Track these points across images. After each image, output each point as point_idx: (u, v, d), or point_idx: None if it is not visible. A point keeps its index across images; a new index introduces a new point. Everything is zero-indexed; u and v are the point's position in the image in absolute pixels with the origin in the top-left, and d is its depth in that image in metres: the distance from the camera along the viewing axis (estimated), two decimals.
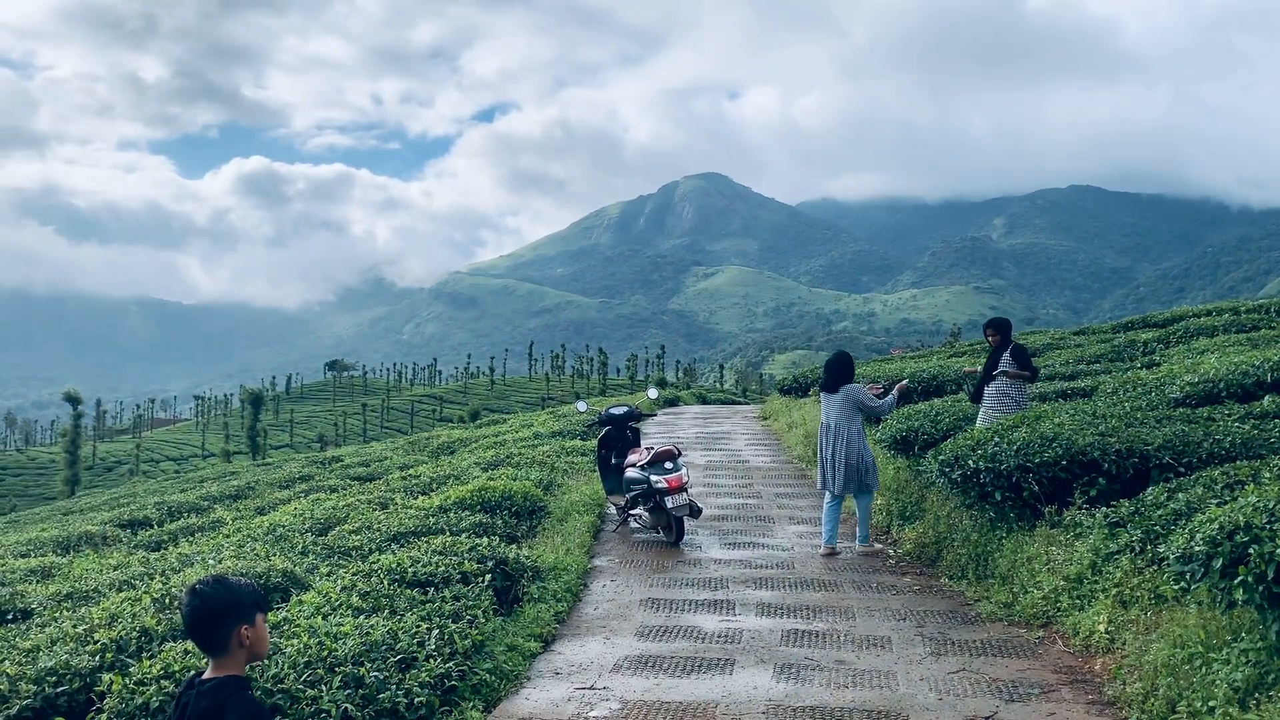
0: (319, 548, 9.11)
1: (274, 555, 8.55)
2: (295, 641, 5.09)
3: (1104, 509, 7.33)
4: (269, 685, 4.59)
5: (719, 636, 6.83)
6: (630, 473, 10.28)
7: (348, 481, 16.55)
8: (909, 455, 11.00)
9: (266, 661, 4.77)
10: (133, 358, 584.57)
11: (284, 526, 11.11)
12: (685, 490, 9.90)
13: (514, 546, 8.29)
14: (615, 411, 11.24)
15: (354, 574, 6.67)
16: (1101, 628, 6.37)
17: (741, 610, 7.56)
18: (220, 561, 7.97)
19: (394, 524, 9.66)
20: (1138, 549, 6.66)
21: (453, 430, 26.99)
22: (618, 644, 6.69)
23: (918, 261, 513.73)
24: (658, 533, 10.26)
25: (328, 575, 7.08)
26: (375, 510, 11.67)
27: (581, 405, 12.33)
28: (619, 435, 11.10)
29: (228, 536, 10.99)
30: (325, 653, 4.98)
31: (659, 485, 9.81)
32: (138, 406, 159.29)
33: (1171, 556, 5.41)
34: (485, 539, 8.07)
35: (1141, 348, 16.46)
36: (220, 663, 2.88)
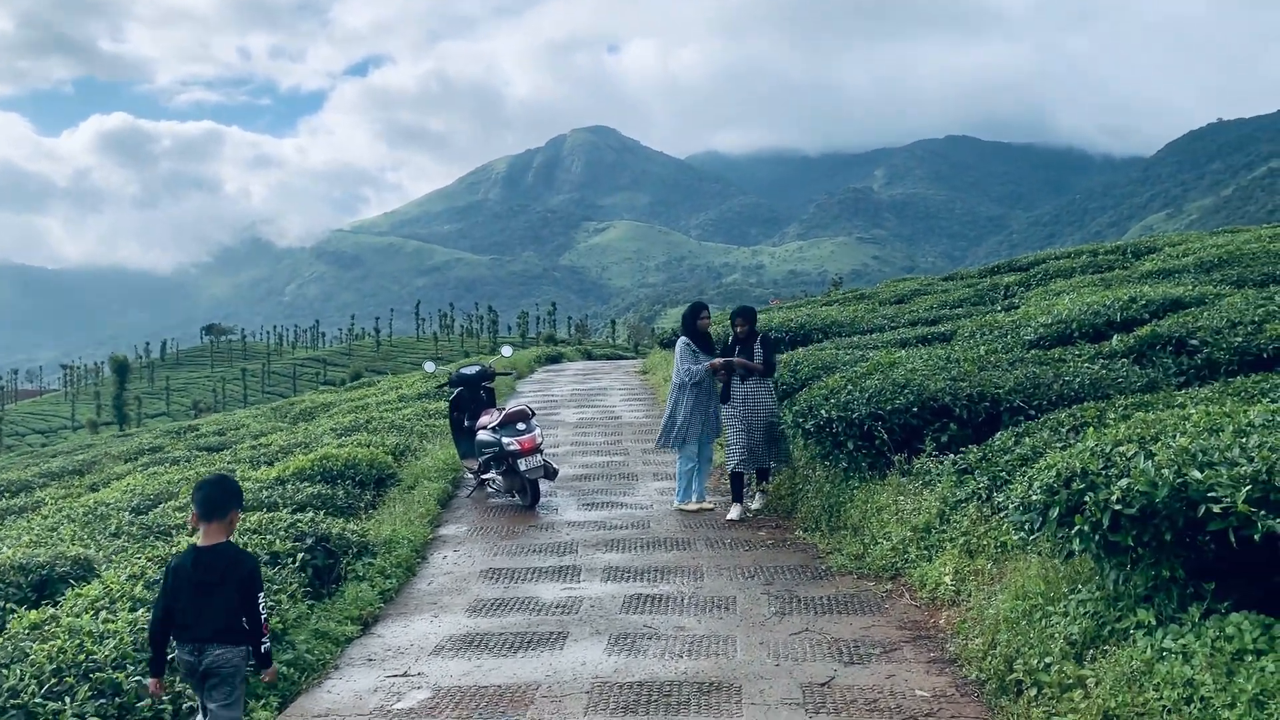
0: (135, 528, 8.38)
1: (78, 540, 7.81)
2: (49, 645, 4.46)
3: (953, 456, 7.17)
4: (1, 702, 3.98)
5: (557, 607, 6.42)
6: (482, 435, 9.77)
7: (195, 453, 15.59)
8: None
9: (4, 671, 4.15)
10: None
11: (108, 505, 10.27)
12: (539, 452, 9.44)
13: (342, 520, 7.75)
14: (467, 372, 10.67)
15: (148, 559, 6.02)
16: (948, 579, 6.18)
17: (587, 576, 7.17)
18: (8, 549, 7.18)
19: None
20: (984, 496, 6.49)
21: (319, 394, 25.98)
22: (445, 622, 6.22)
23: (803, 214, 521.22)
24: (514, 497, 9.80)
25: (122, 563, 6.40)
26: None
27: (429, 366, 11.64)
28: (472, 396, 10.55)
29: (45, 518, 10.08)
30: (82, 656, 4.37)
31: (511, 448, 9.33)
32: (0, 377, 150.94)
33: (1011, 506, 5.20)
34: (309, 513, 7.49)
35: (1004, 291, 16.64)
36: (216, 530, 3.94)
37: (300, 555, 6.26)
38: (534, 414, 9.83)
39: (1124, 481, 4.44)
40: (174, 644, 3.90)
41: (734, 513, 8.73)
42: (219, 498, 3.97)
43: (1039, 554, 5.40)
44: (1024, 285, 16.84)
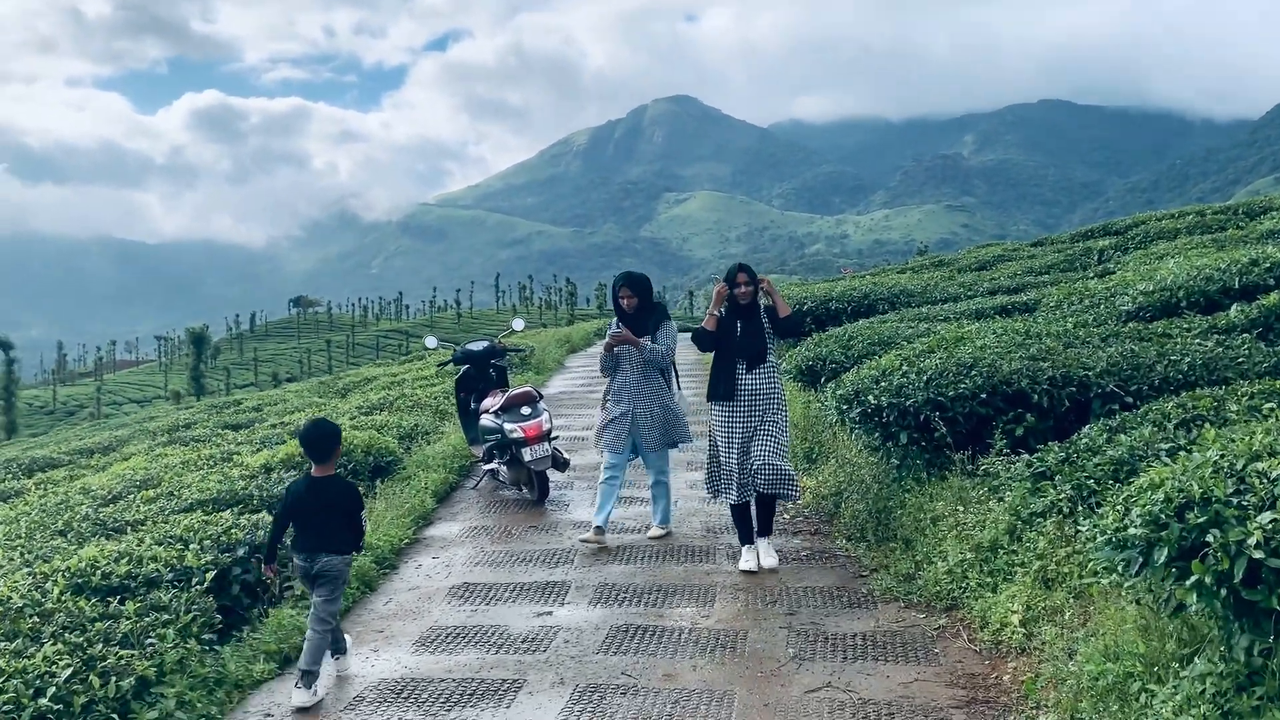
0: (88, 524, 7.43)
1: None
2: None
3: (1028, 456, 5.75)
4: None
5: (524, 641, 5.22)
6: (484, 420, 8.63)
7: (218, 430, 14.81)
8: (816, 387, 9.40)
9: None
10: (97, 300, 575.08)
11: (90, 492, 9.42)
12: (548, 439, 8.25)
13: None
14: (472, 348, 9.49)
15: (23, 581, 4.99)
16: (1016, 619, 4.82)
17: (575, 596, 5.96)
18: None
19: (198, 490, 8.00)
20: (1066, 510, 5.08)
21: (366, 369, 25.25)
22: (382, 661, 5.07)
23: (889, 181, 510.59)
24: (522, 490, 8.64)
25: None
26: (204, 468, 10.00)
27: (431, 341, 10.37)
28: (479, 375, 9.38)
29: (11, 510, 9.27)
30: None
31: (514, 435, 8.15)
32: (98, 349, 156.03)
33: (1097, 537, 3.83)
34: (259, 515, 6.41)
35: (1097, 256, 14.85)
36: (325, 467, 4.79)
37: (210, 575, 5.15)
38: (542, 396, 8.63)
39: (1266, 516, 3.08)
40: (292, 551, 4.80)
41: (746, 560, 6.34)
42: (320, 444, 4.79)
43: (1138, 601, 4.01)
44: (1120, 249, 15.04)
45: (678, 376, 7.44)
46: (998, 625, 4.87)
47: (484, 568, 6.64)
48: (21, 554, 6.45)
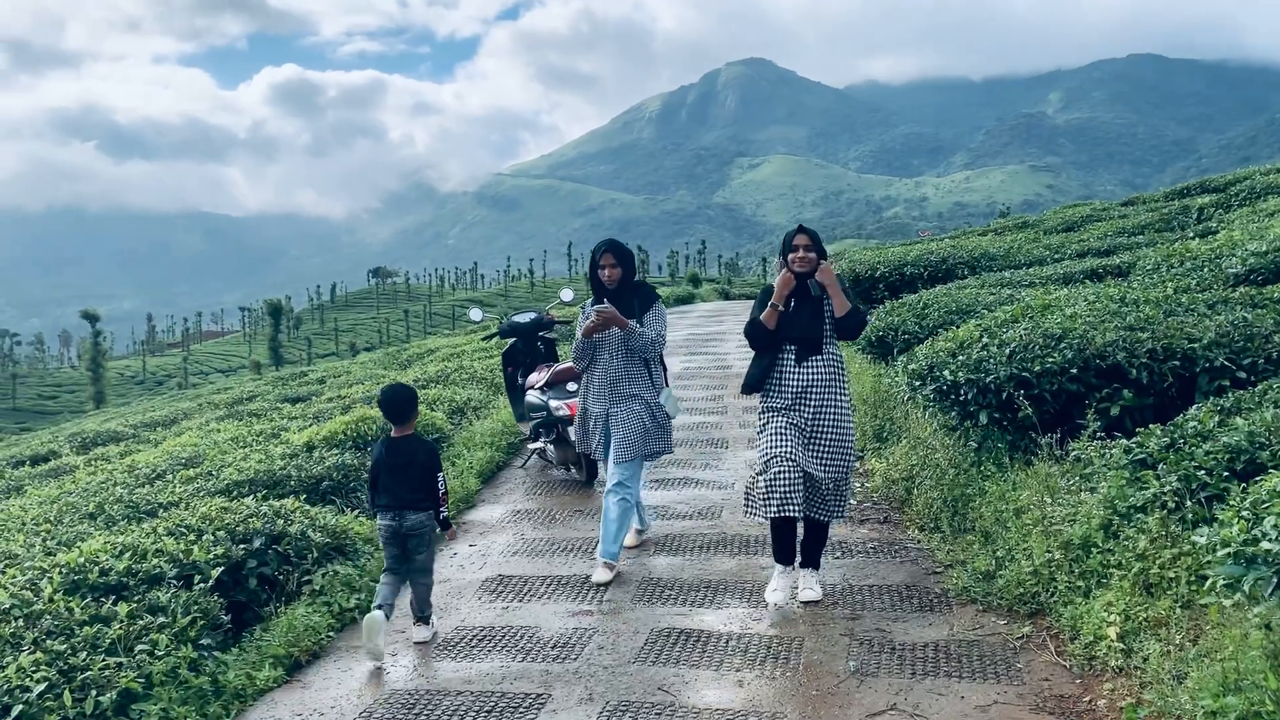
0: (120, 507, 7.17)
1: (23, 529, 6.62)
2: None
3: (1126, 441, 5.07)
4: None
5: (554, 647, 4.74)
6: (529, 396, 8.15)
7: (276, 404, 14.65)
8: (888, 361, 8.73)
9: None
10: (184, 272, 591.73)
11: (134, 471, 9.22)
12: None
13: (330, 510, 6.26)
14: (519, 320, 8.99)
15: (20, 577, 4.65)
16: (1113, 631, 4.18)
17: (616, 592, 5.46)
18: None
19: (236, 471, 7.71)
20: (1172, 505, 4.42)
21: (431, 339, 25.06)
22: (399, 667, 4.63)
23: (970, 142, 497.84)
24: (570, 471, 8.17)
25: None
26: (251, 445, 9.74)
27: (475, 314, 9.77)
28: (527, 349, 8.89)
29: (55, 489, 9.10)
30: None
31: (560, 413, 7.66)
32: (185, 320, 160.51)
33: (1216, 552, 3.18)
34: (285, 501, 6.03)
35: (1196, 214, 13.77)
36: (404, 428, 4.94)
37: (215, 571, 4.76)
38: None
39: None
40: (377, 512, 4.93)
41: (776, 590, 5.05)
42: (399, 408, 4.96)
43: (1268, 626, 3.35)
44: (1222, 207, 13.93)
45: (665, 370, 6.66)
46: (1091, 637, 4.23)
47: (521, 558, 6.18)
48: (44, 541, 6.19)
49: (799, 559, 5.21)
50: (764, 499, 5.03)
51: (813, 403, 5.10)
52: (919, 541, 6.04)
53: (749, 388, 5.27)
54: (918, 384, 6.48)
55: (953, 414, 6.38)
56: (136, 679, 3.85)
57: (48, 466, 12.20)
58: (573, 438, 7.57)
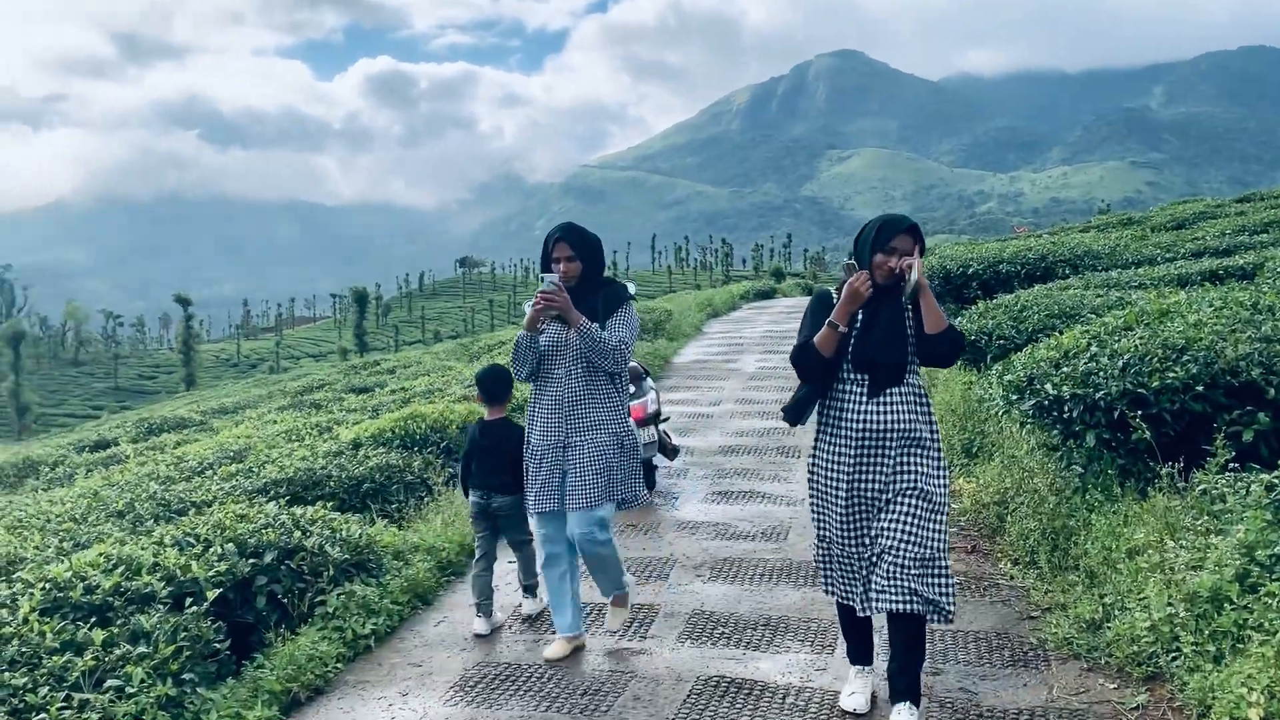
0: (150, 505, 6.81)
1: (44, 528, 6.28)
2: None
3: (1266, 475, 4.28)
4: None
5: (584, 694, 4.14)
6: None
7: (341, 394, 14.37)
8: (980, 368, 7.94)
9: None
10: (280, 259, 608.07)
11: (181, 464, 8.93)
12: (655, 423, 7.15)
13: (356, 518, 5.76)
14: None
15: (2, 590, 4.22)
16: (1255, 714, 3.42)
17: (661, 627, 4.85)
18: None
19: (276, 468, 7.31)
20: None
21: (500, 332, 24.72)
22: (406, 711, 4.07)
23: (1068, 136, 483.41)
24: None
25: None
26: (300, 440, 9.38)
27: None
28: None
29: (95, 481, 8.85)
30: None
31: None
32: (279, 306, 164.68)
33: None
34: (307, 509, 5.55)
35: None
36: (496, 410, 4.99)
37: (211, 593, 4.27)
38: (649, 373, 7.52)
39: None
40: (470, 487, 4.98)
41: (853, 696, 3.90)
42: (495, 390, 4.97)
43: None
44: None
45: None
46: (1225, 716, 3.48)
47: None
48: (59, 542, 5.83)
49: (891, 686, 3.74)
50: (823, 575, 3.93)
51: (891, 453, 3.66)
52: (1012, 578, 5.29)
53: (791, 417, 3.88)
54: (1015, 397, 5.72)
55: (1054, 432, 5.62)
56: None
57: (104, 454, 12.11)
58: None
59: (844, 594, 3.80)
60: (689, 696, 4.07)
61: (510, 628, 4.95)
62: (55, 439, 18.98)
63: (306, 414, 11.84)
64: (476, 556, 4.96)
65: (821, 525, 3.86)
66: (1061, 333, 6.49)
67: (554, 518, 4.44)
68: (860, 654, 3.98)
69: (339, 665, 4.40)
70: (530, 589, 5.07)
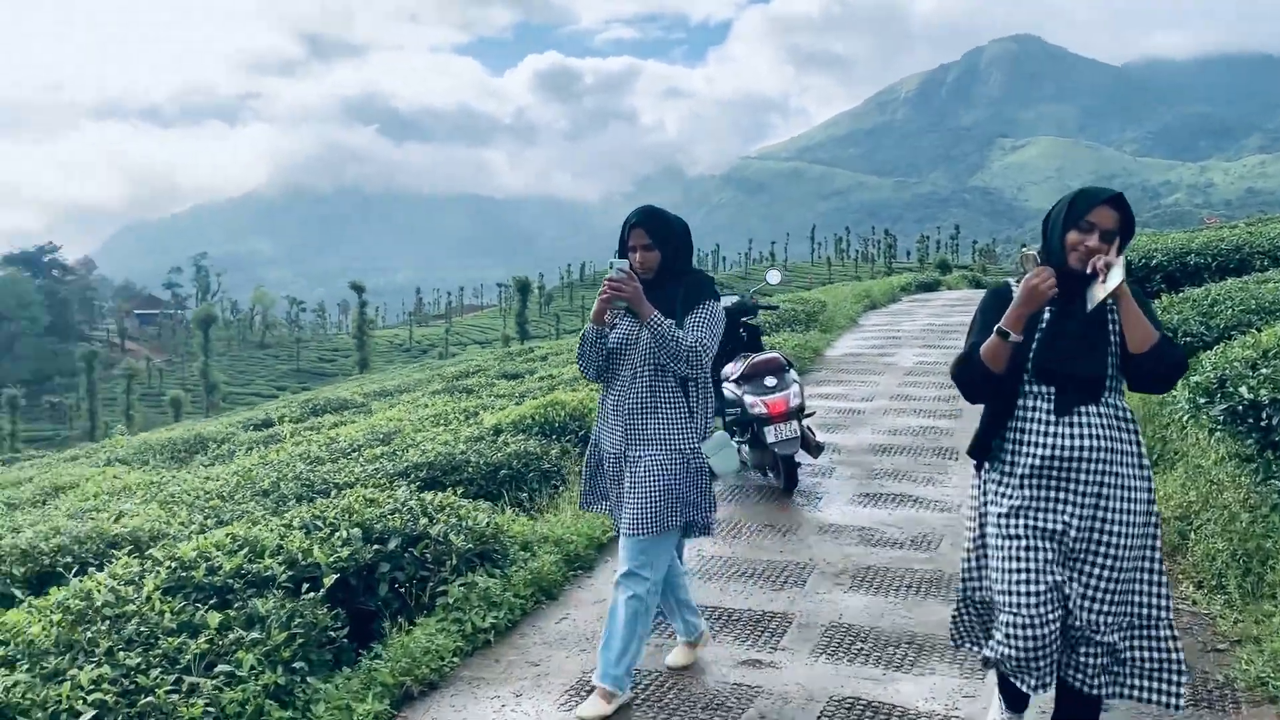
0: (294, 485, 6.94)
1: (180, 504, 6.44)
2: None
3: None
4: None
5: (704, 706, 3.86)
6: (724, 389, 7.27)
7: (493, 380, 14.52)
8: None
9: None
10: (451, 249, 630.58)
11: (332, 444, 9.13)
12: (797, 417, 6.79)
13: (486, 505, 5.66)
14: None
15: (126, 569, 4.27)
16: None
17: (794, 639, 4.52)
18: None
19: (418, 453, 7.33)
20: None
21: None
22: (517, 713, 3.91)
23: (1267, 123, 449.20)
24: (767, 476, 7.25)
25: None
26: (447, 423, 9.45)
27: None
28: (727, 335, 7.99)
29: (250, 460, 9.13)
30: None
31: (755, 410, 6.76)
32: (448, 294, 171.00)
33: None
34: (436, 495, 5.48)
35: None
36: None
37: (332, 578, 4.20)
38: (791, 365, 7.14)
39: None
40: None
41: None
42: None
43: None
44: None
45: (719, 399, 5.10)
46: None
47: (693, 579, 5.34)
48: (205, 518, 5.97)
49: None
50: (970, 637, 3.31)
51: (1082, 487, 2.95)
52: (1195, 604, 4.71)
53: (978, 453, 3.18)
54: (1203, 401, 5.11)
55: (1249, 441, 4.98)
56: (206, 709, 3.32)
57: (266, 433, 12.60)
58: (769, 439, 6.70)
59: (1014, 668, 3.01)
60: (820, 718, 3.74)
61: None
62: (228, 417, 20.01)
63: (457, 399, 11.98)
64: None
65: (971, 580, 3.21)
66: (1259, 330, 5.78)
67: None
68: (1014, 699, 3.35)
69: (455, 659, 4.27)
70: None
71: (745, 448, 7.15)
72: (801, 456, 7.02)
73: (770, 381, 6.84)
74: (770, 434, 6.68)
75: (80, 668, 3.35)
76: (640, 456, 3.74)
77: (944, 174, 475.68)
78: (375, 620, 4.52)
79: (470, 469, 6.93)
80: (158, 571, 4.11)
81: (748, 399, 6.81)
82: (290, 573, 4.22)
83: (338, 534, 4.66)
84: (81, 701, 3.17)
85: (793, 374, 6.98)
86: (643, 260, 3.76)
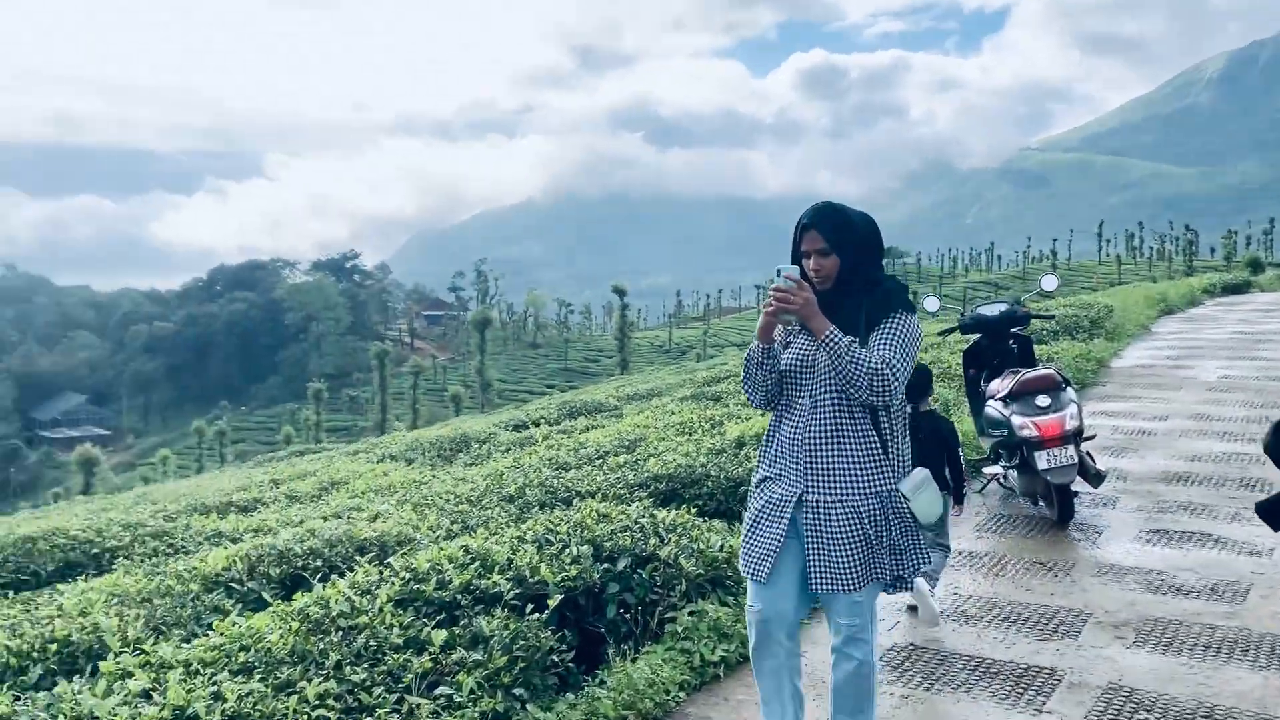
0: (538, 491, 6.99)
1: (443, 507, 6.58)
2: None
3: None
4: None
5: None
6: (989, 408, 6.62)
7: (740, 388, 14.25)
8: None
9: None
10: (712, 252, 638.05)
11: (581, 449, 9.20)
12: (1074, 441, 6.06)
13: (713, 529, 5.39)
14: (986, 313, 7.36)
15: (365, 577, 4.33)
16: None
17: (1063, 701, 3.94)
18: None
19: (660, 463, 7.22)
20: None
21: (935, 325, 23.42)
22: None
23: None
24: (1038, 504, 6.54)
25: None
26: (692, 432, 9.31)
27: (931, 304, 8.10)
28: (994, 349, 7.28)
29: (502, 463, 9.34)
30: None
31: (1024, 433, 6.09)
32: (707, 296, 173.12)
33: None
34: (670, 513, 5.27)
35: None
36: (922, 404, 5.02)
37: (556, 599, 4.07)
38: (1068, 382, 6.38)
39: None
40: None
41: None
42: (918, 384, 4.87)
43: None
44: None
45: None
46: None
47: (947, 621, 4.84)
48: (452, 523, 6.08)
49: None
50: None
51: None
52: None
53: (1271, 518, 2.81)
54: None
55: None
56: None
57: (522, 435, 12.97)
58: (1040, 466, 6.03)
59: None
60: None
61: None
62: (496, 415, 20.98)
63: (704, 406, 11.82)
64: None
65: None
66: None
67: (767, 590, 3.27)
68: None
69: (681, 694, 4.04)
70: (933, 579, 4.91)
71: (1013, 473, 6.48)
72: (1079, 485, 6.28)
73: (1043, 401, 6.15)
74: (1042, 460, 6.00)
75: (310, 680, 3.38)
76: (821, 501, 3.15)
77: (1257, 162, 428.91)
78: (602, 643, 4.37)
79: (710, 483, 6.69)
80: (392, 582, 4.14)
81: (1015, 420, 6.15)
82: (518, 590, 4.14)
83: (568, 550, 4.55)
84: (306, 717, 3.19)
85: (1069, 392, 6.25)
86: (818, 268, 3.18)
